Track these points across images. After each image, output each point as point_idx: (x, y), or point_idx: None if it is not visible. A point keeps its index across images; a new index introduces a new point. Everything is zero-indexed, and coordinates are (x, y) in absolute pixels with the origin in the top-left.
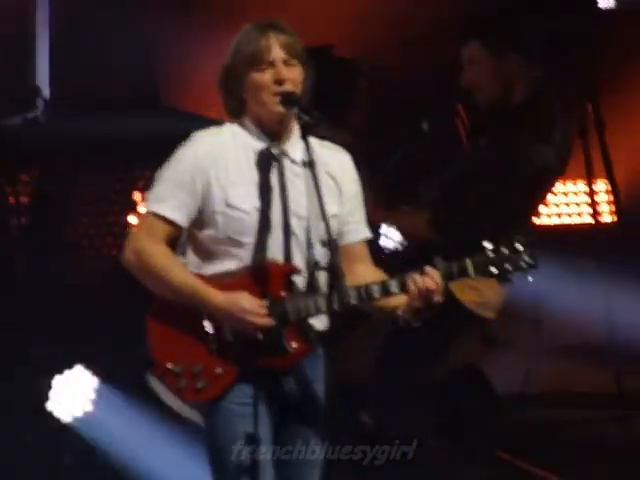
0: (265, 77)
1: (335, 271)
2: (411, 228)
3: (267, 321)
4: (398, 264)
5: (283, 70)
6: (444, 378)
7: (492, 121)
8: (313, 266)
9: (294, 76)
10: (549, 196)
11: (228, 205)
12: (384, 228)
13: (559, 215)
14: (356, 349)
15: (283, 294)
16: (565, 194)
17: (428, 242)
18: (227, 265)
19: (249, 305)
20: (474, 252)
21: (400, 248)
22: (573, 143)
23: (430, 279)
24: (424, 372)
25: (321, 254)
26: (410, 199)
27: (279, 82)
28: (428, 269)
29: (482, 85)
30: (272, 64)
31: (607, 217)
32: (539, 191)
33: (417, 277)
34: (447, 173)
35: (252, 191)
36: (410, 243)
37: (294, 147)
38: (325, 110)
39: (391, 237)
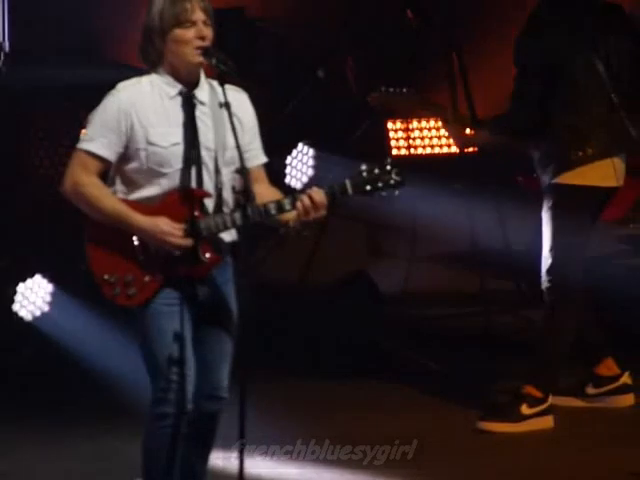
0: (189, 33)
1: (247, 193)
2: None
3: (183, 241)
4: None
5: (203, 29)
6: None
7: None
8: (220, 189)
9: (210, 34)
10: (424, 130)
11: (149, 142)
12: (290, 169)
13: (432, 147)
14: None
15: (197, 214)
16: (437, 129)
17: None
18: (149, 191)
19: (167, 228)
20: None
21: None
22: None
23: (315, 197)
24: None
25: (227, 178)
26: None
27: (201, 38)
28: (314, 189)
29: None
30: (194, 23)
31: (471, 147)
32: None
33: (304, 196)
34: None
35: (168, 130)
36: None
37: (201, 91)
38: (236, 62)
39: (298, 178)
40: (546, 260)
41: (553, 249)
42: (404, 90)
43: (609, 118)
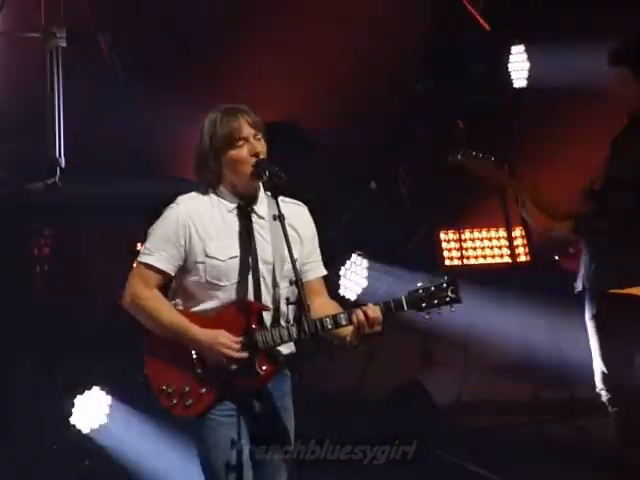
0: (242, 153)
1: (301, 305)
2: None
3: (241, 355)
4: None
5: (256, 144)
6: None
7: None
8: (278, 302)
9: (263, 147)
10: (476, 241)
11: (207, 255)
12: (343, 280)
13: (484, 257)
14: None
15: (254, 327)
16: (489, 239)
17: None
18: (208, 304)
19: (226, 341)
20: None
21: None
22: None
23: (370, 313)
24: None
25: (285, 291)
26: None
27: (255, 155)
28: (370, 305)
29: (630, 99)
30: (246, 140)
31: (522, 257)
32: None
33: (360, 312)
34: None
35: (227, 243)
36: None
37: (260, 205)
38: (289, 175)
39: (352, 289)
40: (598, 370)
41: (605, 360)
42: (480, 155)
43: None
